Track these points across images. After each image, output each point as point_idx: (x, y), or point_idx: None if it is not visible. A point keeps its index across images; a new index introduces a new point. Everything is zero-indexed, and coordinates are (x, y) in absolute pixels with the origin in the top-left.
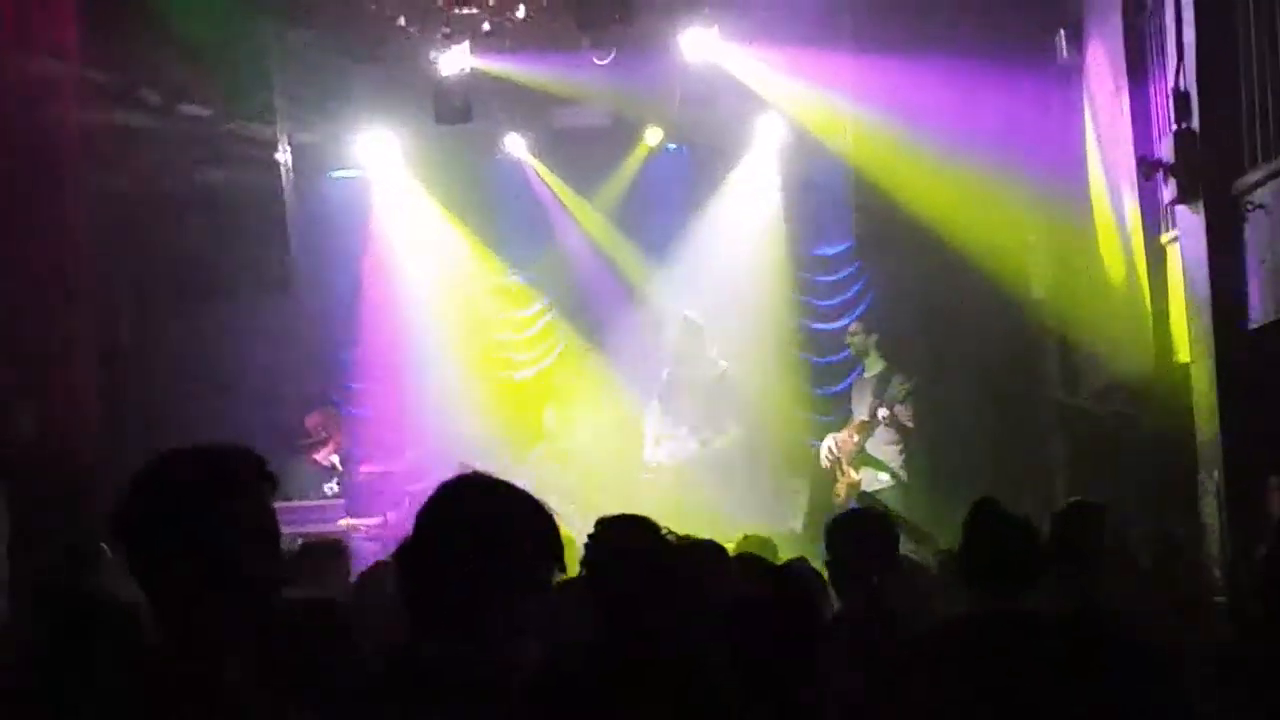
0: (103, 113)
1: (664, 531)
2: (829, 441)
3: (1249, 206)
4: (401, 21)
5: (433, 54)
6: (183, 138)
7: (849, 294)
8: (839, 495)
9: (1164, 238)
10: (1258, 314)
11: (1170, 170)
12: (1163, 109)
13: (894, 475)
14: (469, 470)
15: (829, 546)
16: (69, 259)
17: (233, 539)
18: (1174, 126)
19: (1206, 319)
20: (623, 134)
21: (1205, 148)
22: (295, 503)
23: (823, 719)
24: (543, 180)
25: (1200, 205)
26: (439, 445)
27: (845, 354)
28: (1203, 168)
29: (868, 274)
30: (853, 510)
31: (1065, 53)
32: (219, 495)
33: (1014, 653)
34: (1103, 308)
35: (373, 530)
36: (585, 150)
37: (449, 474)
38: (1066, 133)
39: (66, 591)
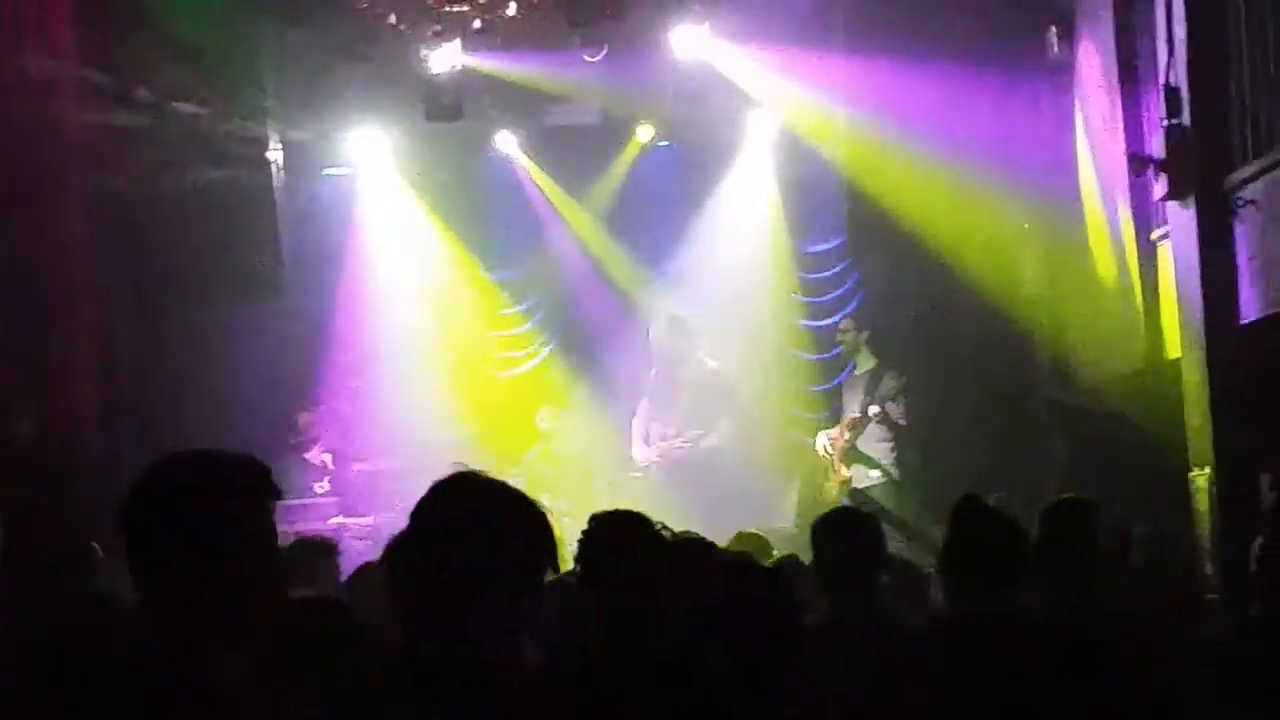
0: (98, 112)
1: (658, 527)
2: (822, 439)
3: (1240, 203)
4: (392, 19)
5: (424, 51)
6: (177, 137)
7: (840, 291)
8: (830, 493)
9: (1155, 234)
10: (1248, 310)
11: (1161, 166)
12: (1153, 105)
13: (885, 472)
14: (462, 469)
15: (816, 546)
16: (67, 259)
17: (233, 542)
18: (1165, 123)
19: (1197, 315)
20: (614, 131)
21: (1196, 144)
22: (286, 501)
23: None
24: (534, 178)
25: (1191, 201)
26: (431, 444)
27: (836, 351)
28: (1194, 164)
29: (859, 271)
30: (839, 509)
31: (1056, 49)
32: (223, 498)
33: (1001, 653)
34: (1093, 304)
35: (364, 529)
36: (576, 147)
37: (441, 472)
38: (1057, 129)
39: (64, 592)
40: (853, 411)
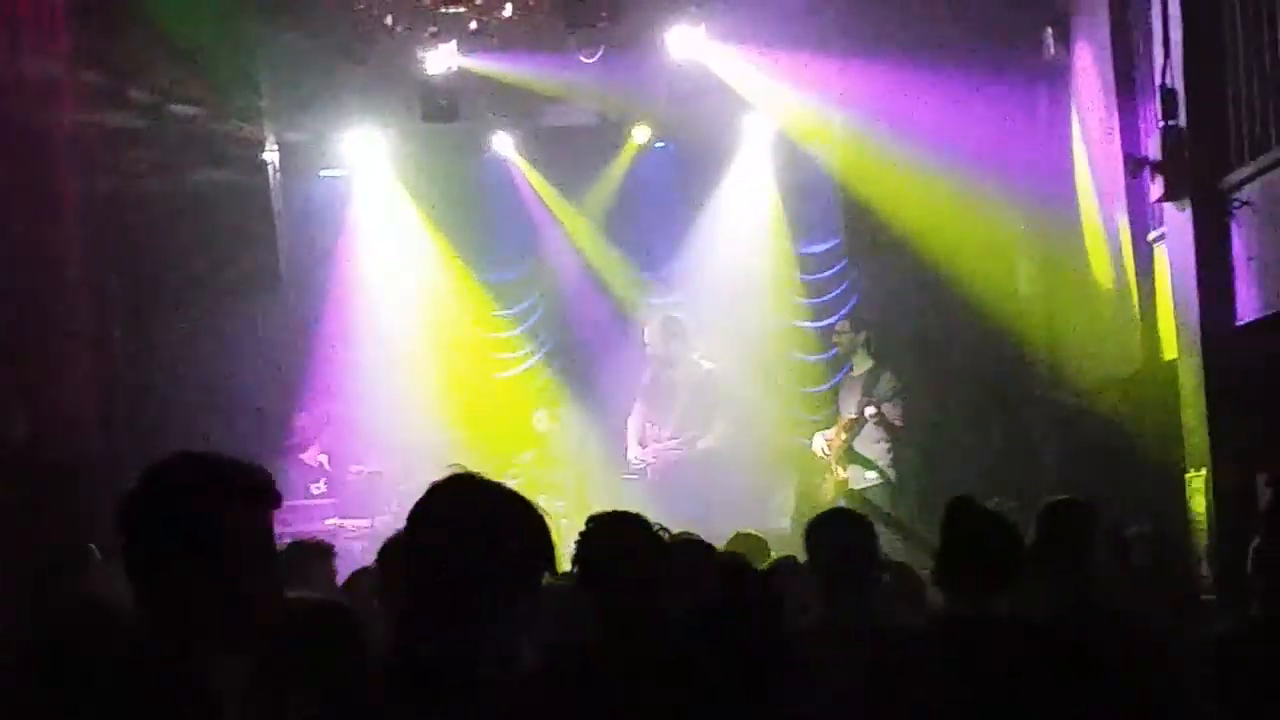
0: (93, 113)
1: (656, 528)
2: (819, 440)
3: (1236, 203)
4: (388, 20)
5: (420, 53)
6: (172, 138)
7: (836, 292)
8: (827, 494)
9: (1151, 236)
10: (1245, 311)
11: (1157, 168)
12: (1150, 107)
13: (882, 473)
14: (459, 470)
15: (809, 548)
16: (62, 260)
17: (232, 545)
18: (1161, 124)
19: (1194, 317)
20: (610, 132)
21: (1192, 145)
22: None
23: None
24: (530, 179)
25: (1187, 202)
26: (428, 445)
27: (833, 352)
28: (1190, 165)
29: (855, 272)
30: (832, 511)
31: (1052, 51)
32: (224, 501)
33: (1000, 654)
34: (1090, 305)
35: (360, 531)
36: (573, 148)
37: (438, 474)
38: (1053, 131)
39: (62, 592)
40: (849, 412)
